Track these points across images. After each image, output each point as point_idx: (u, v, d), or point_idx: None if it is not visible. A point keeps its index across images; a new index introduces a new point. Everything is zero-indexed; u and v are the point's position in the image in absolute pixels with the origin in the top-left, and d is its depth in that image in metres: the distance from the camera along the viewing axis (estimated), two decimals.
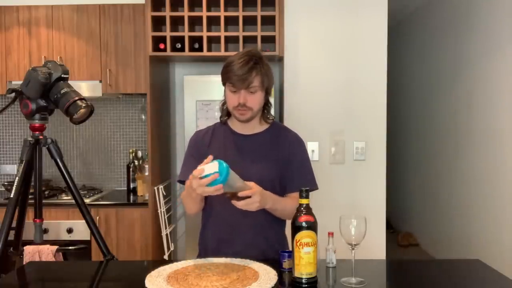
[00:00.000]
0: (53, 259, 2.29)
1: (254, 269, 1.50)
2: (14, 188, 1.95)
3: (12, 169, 3.64)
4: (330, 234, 1.65)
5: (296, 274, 1.43)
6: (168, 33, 3.03)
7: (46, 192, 3.23)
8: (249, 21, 3.11)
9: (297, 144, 1.83)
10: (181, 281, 1.41)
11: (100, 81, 3.24)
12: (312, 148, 3.05)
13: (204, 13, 3.02)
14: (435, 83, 4.81)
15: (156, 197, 3.06)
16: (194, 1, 3.13)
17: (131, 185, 3.46)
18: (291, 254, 1.47)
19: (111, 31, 3.24)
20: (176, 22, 3.22)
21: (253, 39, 3.09)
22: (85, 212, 2.08)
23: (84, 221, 2.10)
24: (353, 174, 3.06)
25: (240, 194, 1.50)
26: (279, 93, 3.44)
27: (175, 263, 1.58)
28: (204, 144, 1.80)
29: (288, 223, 1.56)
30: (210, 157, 1.49)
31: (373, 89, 3.04)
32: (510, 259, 3.24)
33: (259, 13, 3.00)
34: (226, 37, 3.08)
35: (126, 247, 3.08)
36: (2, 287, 1.50)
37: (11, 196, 1.95)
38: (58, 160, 2.06)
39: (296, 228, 1.42)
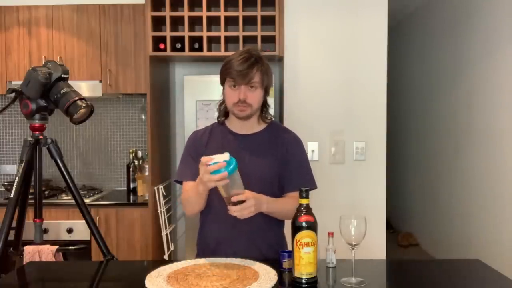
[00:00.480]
0: (53, 259, 2.29)
1: (254, 269, 1.50)
2: (14, 188, 1.95)
3: (12, 169, 3.64)
4: (330, 234, 1.65)
5: (296, 274, 1.43)
6: (168, 33, 3.04)
7: (46, 192, 3.23)
8: (249, 21, 3.11)
9: (295, 144, 1.83)
10: (181, 281, 1.41)
11: (100, 81, 3.24)
12: (312, 148, 3.05)
13: (204, 13, 3.02)
14: (435, 83, 4.81)
15: (156, 197, 3.06)
16: (194, 1, 3.13)
17: (131, 185, 3.46)
18: (291, 254, 1.47)
19: (111, 31, 3.24)
20: (176, 22, 3.22)
21: (253, 39, 3.09)
22: (85, 212, 2.08)
23: (84, 221, 2.10)
24: (353, 174, 3.06)
25: (234, 198, 1.50)
26: (279, 93, 3.44)
27: (175, 263, 1.58)
28: (202, 144, 1.80)
29: (287, 223, 1.56)
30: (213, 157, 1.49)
31: (373, 89, 3.04)
32: (510, 259, 3.24)
33: (259, 13, 3.00)
34: (226, 37, 3.08)
35: (126, 247, 3.08)
36: (2, 287, 1.50)
37: (11, 196, 1.95)
38: (58, 160, 2.06)
39: (296, 228, 1.42)
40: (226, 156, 1.46)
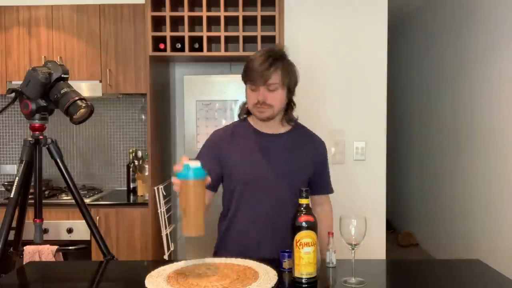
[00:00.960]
0: (53, 259, 2.29)
1: (254, 269, 1.50)
2: (14, 188, 1.95)
3: (12, 169, 3.64)
4: (330, 234, 1.65)
5: (296, 274, 1.42)
6: (168, 33, 3.03)
7: (46, 192, 3.23)
8: (249, 21, 3.11)
9: (324, 150, 1.88)
10: (181, 281, 1.41)
11: (100, 81, 3.24)
12: None
13: (204, 13, 3.02)
14: (435, 82, 4.81)
15: (156, 197, 3.05)
16: (194, 1, 3.13)
17: (131, 185, 3.46)
18: (291, 254, 1.47)
19: (111, 31, 3.24)
20: (176, 22, 3.22)
21: (253, 39, 3.09)
22: (85, 212, 2.08)
23: (84, 221, 2.09)
24: (353, 174, 3.06)
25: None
26: None
27: (175, 263, 1.58)
28: (225, 143, 1.76)
29: None
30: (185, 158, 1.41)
31: (373, 89, 3.04)
32: (510, 259, 3.24)
33: (259, 13, 3.00)
34: (226, 37, 3.07)
35: (126, 247, 3.08)
36: (2, 287, 1.50)
37: (11, 196, 1.95)
38: (58, 160, 2.05)
39: (296, 228, 1.42)
40: (196, 163, 1.38)
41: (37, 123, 2.00)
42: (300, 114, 3.04)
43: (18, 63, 3.26)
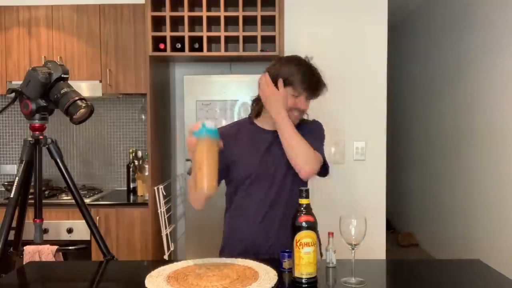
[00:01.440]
0: (53, 259, 2.29)
1: (254, 269, 1.50)
2: (14, 188, 1.95)
3: (12, 169, 3.64)
4: (330, 234, 1.65)
5: (296, 274, 1.42)
6: (168, 33, 3.03)
7: (46, 192, 3.23)
8: (249, 21, 3.11)
9: (314, 125, 1.88)
10: (181, 281, 1.41)
11: (100, 81, 3.24)
12: None
13: (204, 13, 3.02)
14: (435, 82, 4.81)
15: (156, 197, 3.06)
16: (194, 1, 3.13)
17: (131, 185, 3.46)
18: (291, 254, 1.47)
19: (111, 31, 3.24)
20: (176, 22, 3.22)
21: (253, 39, 3.09)
22: (85, 212, 2.08)
23: (84, 221, 2.09)
24: (353, 174, 3.06)
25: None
26: None
27: (175, 263, 1.58)
28: (231, 137, 1.78)
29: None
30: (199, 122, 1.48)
31: (373, 89, 3.04)
32: (510, 259, 3.24)
33: (259, 13, 3.00)
34: (226, 37, 3.07)
35: (126, 247, 3.08)
36: (2, 287, 1.50)
37: (11, 196, 1.95)
38: (58, 160, 2.05)
39: (296, 228, 1.42)
40: (209, 122, 1.46)
41: (37, 123, 2.00)
42: None
43: (18, 63, 3.26)
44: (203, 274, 1.47)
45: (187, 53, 3.06)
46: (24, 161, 1.98)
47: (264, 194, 1.75)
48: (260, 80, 1.75)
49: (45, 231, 2.93)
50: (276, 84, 1.71)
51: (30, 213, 2.08)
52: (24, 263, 2.11)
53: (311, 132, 1.81)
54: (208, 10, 3.07)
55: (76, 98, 1.91)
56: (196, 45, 3.10)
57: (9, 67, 3.26)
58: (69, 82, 2.00)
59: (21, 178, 1.96)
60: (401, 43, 5.89)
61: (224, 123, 3.03)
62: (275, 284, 1.39)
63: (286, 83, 1.70)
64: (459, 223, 4.19)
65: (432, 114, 4.89)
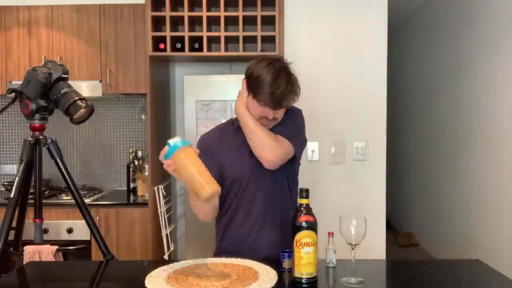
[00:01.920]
0: (53, 259, 2.29)
1: (254, 269, 1.50)
2: (14, 188, 1.95)
3: (12, 169, 3.64)
4: (330, 234, 1.65)
5: (296, 274, 1.43)
6: (168, 33, 3.03)
7: (46, 192, 3.23)
8: (249, 21, 3.11)
9: (288, 113, 1.78)
10: (181, 281, 1.41)
11: (100, 81, 3.24)
12: (312, 148, 3.04)
13: (204, 13, 3.02)
14: (435, 83, 4.81)
15: (156, 197, 3.06)
16: (194, 1, 3.13)
17: (131, 185, 3.46)
18: (291, 254, 1.47)
19: (111, 31, 3.24)
20: (176, 22, 3.22)
21: (253, 39, 3.09)
22: (85, 212, 2.08)
23: (84, 221, 2.09)
24: (353, 174, 3.06)
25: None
26: None
27: (175, 263, 1.58)
28: (215, 142, 1.79)
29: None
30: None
31: (373, 89, 3.04)
32: (510, 259, 3.24)
33: (259, 13, 3.00)
34: (226, 37, 3.07)
35: (126, 247, 3.08)
36: (2, 287, 1.50)
37: (11, 196, 1.95)
38: (58, 160, 2.05)
39: (296, 228, 1.42)
40: (173, 139, 1.45)
41: (37, 123, 2.00)
42: None
43: (18, 63, 3.26)
44: (203, 274, 1.47)
45: (187, 53, 3.06)
46: (24, 161, 1.98)
47: (254, 196, 1.75)
48: None
49: (45, 231, 2.93)
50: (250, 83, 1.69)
51: (30, 213, 2.08)
52: (24, 263, 2.11)
53: (283, 121, 1.77)
54: (208, 10, 3.07)
55: (76, 98, 1.91)
56: (196, 45, 3.10)
57: (9, 67, 3.26)
58: (69, 82, 2.00)
59: (21, 178, 1.96)
60: (401, 44, 5.89)
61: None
62: (275, 284, 1.39)
63: (253, 96, 1.66)
64: (459, 223, 4.19)
65: (432, 114, 4.89)
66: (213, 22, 3.13)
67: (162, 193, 3.05)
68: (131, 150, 3.51)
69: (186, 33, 3.04)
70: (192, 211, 1.74)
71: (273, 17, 3.01)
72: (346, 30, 3.04)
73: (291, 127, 1.78)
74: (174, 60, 3.56)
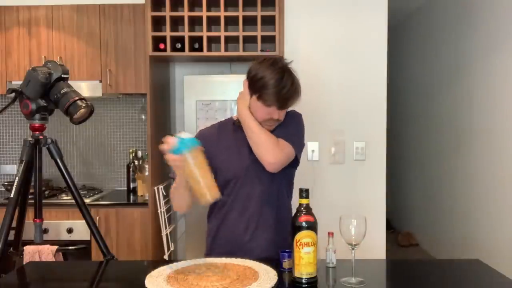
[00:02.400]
0: (53, 259, 2.29)
1: (254, 269, 1.50)
2: (14, 188, 1.95)
3: (12, 169, 3.64)
4: (330, 234, 1.65)
5: (296, 274, 1.43)
6: (168, 33, 3.03)
7: (46, 192, 3.23)
8: (249, 21, 3.11)
9: (288, 117, 1.79)
10: (181, 281, 1.41)
11: (100, 81, 3.24)
12: (312, 148, 3.04)
13: (204, 13, 3.02)
14: (435, 83, 4.81)
15: (156, 197, 3.06)
16: (194, 1, 3.13)
17: (131, 185, 3.46)
18: (291, 254, 1.47)
19: (111, 31, 3.24)
20: (176, 22, 3.22)
21: (253, 39, 3.09)
22: (85, 212, 2.08)
23: (84, 221, 2.10)
24: (353, 174, 3.06)
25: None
26: None
27: (175, 263, 1.58)
28: (213, 140, 1.78)
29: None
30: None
31: (373, 89, 3.04)
32: (510, 259, 3.24)
33: (259, 13, 3.00)
34: (226, 37, 3.07)
35: (126, 247, 3.08)
36: (2, 287, 1.50)
37: (11, 196, 1.95)
38: (58, 160, 2.05)
39: (296, 228, 1.42)
40: (184, 135, 1.43)
41: (37, 123, 2.00)
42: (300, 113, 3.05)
43: (18, 63, 3.26)
44: (203, 274, 1.47)
45: (187, 53, 3.06)
46: (24, 161, 1.98)
47: (249, 194, 1.74)
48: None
49: (45, 231, 2.93)
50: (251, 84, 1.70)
51: (30, 213, 2.08)
52: (24, 263, 2.11)
53: (283, 124, 1.77)
54: (208, 10, 3.07)
55: (76, 98, 1.91)
56: (196, 45, 3.10)
57: (9, 67, 3.26)
58: (69, 82, 2.00)
59: (21, 178, 1.96)
60: (401, 44, 5.89)
61: None
62: (275, 284, 1.39)
63: (258, 97, 1.67)
64: (459, 223, 4.19)
65: (432, 114, 4.89)
66: (213, 22, 3.13)
67: (162, 193, 3.05)
68: (131, 150, 3.51)
69: (186, 33, 3.04)
70: (191, 209, 1.75)
71: (273, 17, 3.01)
72: (346, 30, 3.04)
73: (293, 130, 1.79)
74: (174, 60, 3.56)
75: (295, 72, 1.72)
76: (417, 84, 5.41)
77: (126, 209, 3.09)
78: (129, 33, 3.24)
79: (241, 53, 3.07)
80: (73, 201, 2.09)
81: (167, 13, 3.03)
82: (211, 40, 3.14)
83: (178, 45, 3.10)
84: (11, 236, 2.01)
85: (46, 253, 2.29)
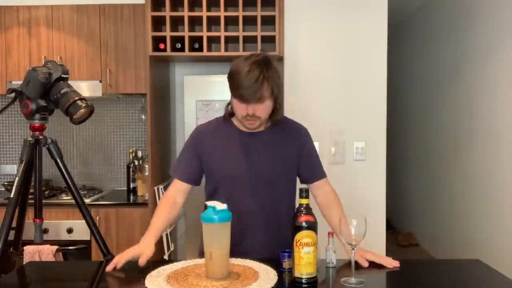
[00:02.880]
0: (53, 259, 2.29)
1: (254, 269, 1.50)
2: (14, 188, 1.95)
3: (12, 169, 3.64)
4: (330, 234, 1.65)
5: (296, 274, 1.43)
6: (168, 33, 3.03)
7: (46, 192, 3.23)
8: (249, 21, 3.11)
9: (308, 137, 1.85)
10: (181, 281, 1.41)
11: (100, 81, 3.24)
12: None
13: (204, 13, 3.02)
14: (435, 83, 4.81)
15: (156, 197, 3.06)
16: (194, 1, 3.14)
17: (131, 185, 3.46)
18: (291, 254, 1.47)
19: (111, 31, 3.24)
20: (176, 22, 3.22)
21: (253, 39, 3.09)
22: (85, 212, 2.08)
23: (84, 221, 2.10)
24: (353, 174, 3.06)
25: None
26: None
27: (175, 263, 1.58)
28: (208, 140, 1.78)
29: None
30: None
31: (373, 89, 3.04)
32: (510, 259, 3.24)
33: (259, 13, 3.00)
34: (226, 37, 3.07)
35: (126, 247, 3.05)
36: (2, 287, 1.50)
37: (11, 196, 1.95)
38: (58, 160, 2.05)
39: (296, 228, 1.42)
40: (219, 205, 1.44)
41: (37, 123, 2.00)
42: (300, 114, 3.05)
43: (18, 63, 3.26)
44: (203, 274, 1.47)
45: (187, 53, 3.06)
46: (24, 161, 1.98)
47: (243, 196, 1.74)
48: None
49: (45, 231, 2.93)
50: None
51: (30, 213, 2.08)
52: (24, 263, 2.11)
53: (316, 156, 1.87)
54: (208, 10, 3.07)
55: (76, 98, 1.91)
56: (196, 45, 3.10)
57: (9, 67, 3.26)
58: (69, 82, 2.00)
59: (21, 178, 1.96)
60: (401, 43, 5.89)
61: None
62: (275, 284, 1.39)
63: (232, 94, 1.68)
64: (458, 223, 4.19)
65: (432, 114, 4.89)
66: (213, 22, 3.13)
67: (162, 193, 3.05)
68: (131, 150, 3.51)
69: (186, 33, 3.04)
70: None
71: (273, 17, 3.01)
72: (346, 30, 3.04)
73: (317, 155, 1.88)
74: (174, 60, 3.56)
75: (273, 66, 1.66)
76: (417, 84, 5.41)
77: (126, 209, 3.09)
78: (129, 33, 3.24)
79: (241, 53, 3.07)
80: (73, 201, 2.09)
81: (167, 13, 3.03)
82: (211, 40, 3.14)
83: (178, 45, 3.10)
84: (11, 236, 2.01)
85: (46, 253, 2.29)
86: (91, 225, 2.09)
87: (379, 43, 3.03)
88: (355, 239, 1.46)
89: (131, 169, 3.46)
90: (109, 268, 1.54)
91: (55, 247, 2.33)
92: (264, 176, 1.72)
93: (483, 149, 3.68)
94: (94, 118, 3.57)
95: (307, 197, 1.44)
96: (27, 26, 3.25)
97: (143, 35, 3.18)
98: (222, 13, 3.02)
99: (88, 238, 2.88)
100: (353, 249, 1.48)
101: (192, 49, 3.10)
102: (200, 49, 3.08)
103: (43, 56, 3.24)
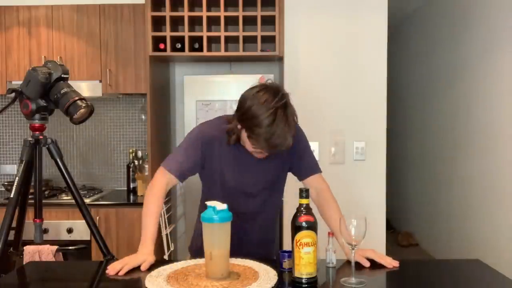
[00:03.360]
0: (53, 259, 2.29)
1: (254, 269, 1.50)
2: (14, 188, 1.95)
3: (12, 169, 3.64)
4: (330, 234, 1.65)
5: (296, 274, 1.42)
6: (168, 33, 3.03)
7: (46, 192, 3.23)
8: (249, 21, 3.11)
9: (299, 134, 1.79)
10: (181, 281, 1.41)
11: (100, 81, 3.24)
12: (312, 148, 3.03)
13: (204, 13, 3.02)
14: (434, 83, 4.81)
15: None
16: (194, 1, 3.14)
17: (131, 185, 3.46)
18: (291, 254, 1.47)
19: (111, 31, 3.24)
20: (176, 22, 3.22)
21: (253, 39, 3.09)
22: (85, 212, 2.08)
23: (84, 221, 2.10)
24: (353, 174, 3.06)
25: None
26: None
27: (175, 263, 1.58)
28: (217, 147, 1.71)
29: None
30: None
31: (373, 89, 3.04)
32: (510, 259, 3.24)
33: (259, 13, 3.00)
34: (226, 37, 3.08)
35: (126, 247, 3.08)
36: (2, 287, 1.50)
37: (11, 196, 1.95)
38: (58, 160, 2.06)
39: (296, 228, 1.42)
40: (222, 206, 1.43)
41: (37, 123, 2.00)
42: (300, 114, 3.04)
43: (18, 63, 3.26)
44: (203, 274, 1.47)
45: (187, 53, 3.06)
46: (24, 161, 1.98)
47: (242, 206, 1.74)
48: None
49: (45, 231, 2.93)
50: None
51: (30, 213, 2.08)
52: (24, 263, 2.11)
53: (309, 151, 1.86)
54: (208, 10, 3.07)
55: (76, 98, 1.91)
56: (196, 45, 3.10)
57: (9, 67, 3.26)
58: (69, 82, 2.00)
59: (21, 178, 1.96)
60: (401, 44, 5.89)
61: None
62: (275, 284, 1.39)
63: (248, 136, 1.57)
64: (458, 223, 4.19)
65: (431, 114, 4.89)
66: (213, 22, 3.13)
67: None
68: (131, 150, 3.51)
69: (186, 33, 3.04)
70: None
71: (273, 17, 3.01)
72: (346, 30, 3.04)
73: (310, 151, 1.88)
74: (174, 60, 3.56)
75: (292, 107, 1.56)
76: (417, 84, 5.41)
77: (126, 209, 3.09)
78: (129, 33, 3.24)
79: (241, 53, 3.07)
80: (73, 201, 2.09)
81: (167, 13, 3.03)
82: (211, 40, 3.14)
83: (178, 45, 3.10)
84: (11, 236, 2.01)
85: (46, 253, 2.29)
86: (91, 225, 2.09)
87: (379, 43, 3.03)
88: (355, 239, 1.46)
89: (131, 169, 3.46)
90: (111, 273, 1.52)
91: (55, 247, 2.33)
92: (262, 185, 1.76)
93: (481, 149, 3.68)
94: (94, 118, 3.57)
95: (307, 197, 1.44)
96: (27, 26, 3.25)
97: (143, 35, 3.18)
98: (222, 13, 3.02)
99: (88, 238, 2.88)
100: (353, 249, 1.48)
101: (192, 49, 3.10)
102: (200, 49, 3.08)
103: (43, 56, 3.24)
